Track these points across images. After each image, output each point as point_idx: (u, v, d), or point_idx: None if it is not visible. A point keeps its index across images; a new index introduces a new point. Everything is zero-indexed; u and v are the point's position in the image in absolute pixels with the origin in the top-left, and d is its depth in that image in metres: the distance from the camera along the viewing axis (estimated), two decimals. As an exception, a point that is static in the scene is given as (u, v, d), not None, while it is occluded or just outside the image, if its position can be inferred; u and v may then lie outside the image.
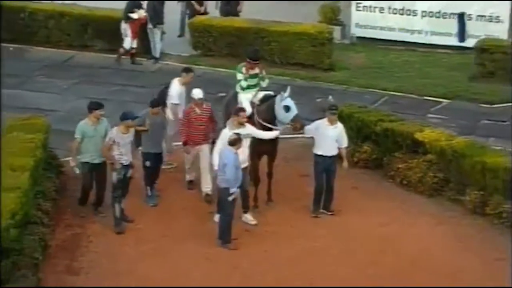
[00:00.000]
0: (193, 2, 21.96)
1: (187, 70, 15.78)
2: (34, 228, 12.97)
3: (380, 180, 15.40)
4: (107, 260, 13.02)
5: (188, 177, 15.01)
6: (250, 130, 13.77)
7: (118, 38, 21.23)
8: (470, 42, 20.70)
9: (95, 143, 13.93)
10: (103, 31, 21.44)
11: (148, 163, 14.43)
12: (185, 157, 14.88)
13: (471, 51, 20.26)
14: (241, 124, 13.68)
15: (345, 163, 14.26)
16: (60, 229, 13.79)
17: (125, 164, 13.69)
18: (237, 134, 13.39)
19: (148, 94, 19.03)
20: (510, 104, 18.73)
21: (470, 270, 12.82)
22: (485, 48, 19.83)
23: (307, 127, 14.24)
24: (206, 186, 14.56)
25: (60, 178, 15.10)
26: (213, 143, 14.17)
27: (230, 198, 13.21)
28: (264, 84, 15.03)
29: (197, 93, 14.59)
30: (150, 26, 20.85)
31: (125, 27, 20.73)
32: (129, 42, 20.78)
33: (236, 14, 21.87)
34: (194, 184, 14.97)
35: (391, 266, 12.90)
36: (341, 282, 12.50)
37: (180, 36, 22.76)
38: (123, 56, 21.03)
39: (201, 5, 21.97)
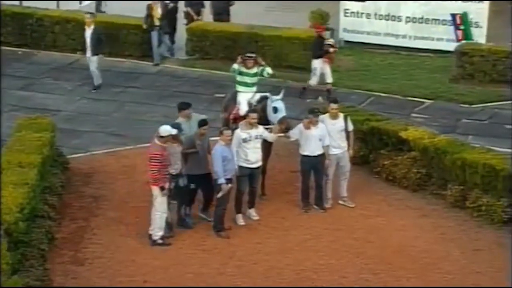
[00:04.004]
0: (189, 11, 21.85)
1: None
2: (41, 221, 13.01)
3: (367, 175, 15.41)
4: (110, 251, 13.03)
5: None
6: (261, 131, 13.78)
7: (119, 42, 21.16)
8: (451, 46, 20.72)
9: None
10: (106, 36, 21.37)
11: (193, 186, 13.46)
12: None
13: (451, 55, 20.29)
14: (253, 125, 13.67)
15: (328, 161, 14.24)
16: (65, 222, 13.80)
17: (174, 174, 13.17)
18: (229, 129, 13.44)
19: (148, 95, 19.19)
20: (488, 104, 18.79)
21: (450, 260, 12.86)
22: (465, 52, 19.85)
23: (291, 132, 14.17)
24: None
25: (66, 174, 15.11)
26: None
27: (217, 191, 13.16)
28: (268, 71, 15.10)
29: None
30: (89, 55, 19.39)
31: (320, 66, 18.68)
32: (316, 80, 18.80)
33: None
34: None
35: (377, 255, 12.93)
36: (330, 271, 12.54)
37: (156, 65, 20.86)
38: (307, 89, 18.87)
39: (198, 14, 21.86)
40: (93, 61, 19.38)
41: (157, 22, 20.63)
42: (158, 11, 20.60)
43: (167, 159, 13.01)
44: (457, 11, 21.27)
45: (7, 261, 11.19)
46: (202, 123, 13.54)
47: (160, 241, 13.16)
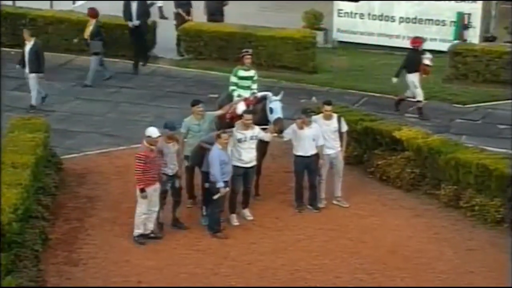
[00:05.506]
0: (180, 11, 21.79)
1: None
2: (35, 222, 13.00)
3: (361, 175, 15.43)
4: (104, 251, 13.02)
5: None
6: (257, 132, 13.76)
7: (112, 42, 21.08)
8: (444, 46, 20.76)
9: (199, 138, 13.71)
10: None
11: (207, 185, 13.41)
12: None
13: (445, 55, 20.32)
14: (248, 126, 13.64)
15: (321, 161, 14.25)
16: (59, 223, 13.78)
17: (170, 174, 13.30)
18: (226, 132, 13.40)
19: (141, 95, 19.16)
20: (481, 104, 18.83)
21: (444, 259, 12.89)
22: (458, 52, 19.89)
23: (285, 132, 14.18)
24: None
25: (59, 174, 15.09)
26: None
27: (215, 193, 13.15)
28: (254, 86, 15.11)
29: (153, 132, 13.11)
30: (27, 71, 18.12)
31: (413, 79, 17.96)
32: (420, 93, 17.98)
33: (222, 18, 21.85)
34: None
35: (371, 255, 12.96)
36: (324, 271, 12.56)
37: (86, 86, 19.62)
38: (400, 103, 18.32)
39: (188, 14, 21.81)
40: (31, 79, 18.05)
41: (88, 40, 19.95)
42: (89, 28, 19.95)
43: (154, 160, 13.01)
44: (450, 11, 21.31)
45: (1, 262, 11.17)
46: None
47: (136, 239, 13.20)
